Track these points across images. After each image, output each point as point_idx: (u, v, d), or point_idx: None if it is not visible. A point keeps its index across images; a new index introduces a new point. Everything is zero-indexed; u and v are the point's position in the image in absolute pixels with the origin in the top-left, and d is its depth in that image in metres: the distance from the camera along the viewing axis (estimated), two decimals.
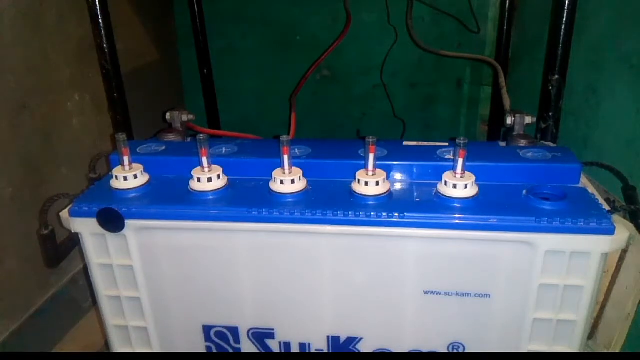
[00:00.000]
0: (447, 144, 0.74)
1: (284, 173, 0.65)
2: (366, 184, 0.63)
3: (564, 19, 0.79)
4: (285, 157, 0.65)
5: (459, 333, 0.67)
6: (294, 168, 0.66)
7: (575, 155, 0.70)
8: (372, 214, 0.61)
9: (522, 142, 0.75)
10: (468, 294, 0.64)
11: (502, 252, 0.61)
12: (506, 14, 1.21)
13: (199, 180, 0.66)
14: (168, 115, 0.84)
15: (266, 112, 1.49)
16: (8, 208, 0.80)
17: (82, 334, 0.94)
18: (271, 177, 0.66)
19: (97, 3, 0.86)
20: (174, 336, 0.73)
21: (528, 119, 0.78)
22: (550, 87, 0.82)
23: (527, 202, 0.62)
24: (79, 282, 0.97)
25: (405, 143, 0.76)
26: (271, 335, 0.71)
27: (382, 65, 1.40)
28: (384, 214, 0.60)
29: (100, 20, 0.87)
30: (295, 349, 0.71)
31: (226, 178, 0.68)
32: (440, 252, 0.62)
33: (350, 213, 0.61)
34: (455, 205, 0.62)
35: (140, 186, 0.68)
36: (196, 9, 1.32)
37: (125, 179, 0.67)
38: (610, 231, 0.57)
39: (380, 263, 0.64)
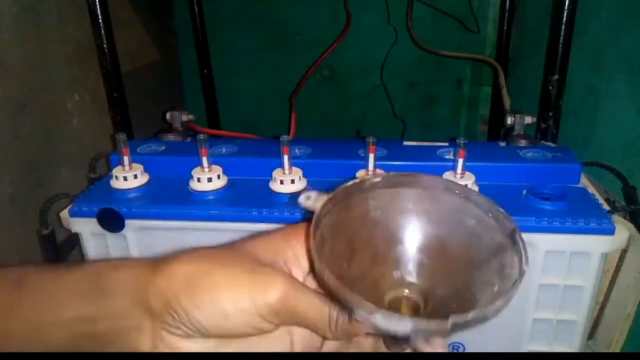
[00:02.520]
0: (447, 144, 0.74)
1: (284, 173, 0.65)
2: None
3: (564, 19, 0.79)
4: (285, 157, 0.65)
5: (459, 333, 0.67)
6: (294, 168, 0.66)
7: (575, 155, 0.70)
8: None
9: (522, 142, 0.75)
10: None
11: None
12: (506, 14, 1.21)
13: (199, 180, 0.66)
14: (168, 115, 0.84)
15: (266, 112, 1.49)
16: (8, 208, 0.80)
17: None
18: (271, 177, 0.66)
19: (97, 3, 0.86)
20: None
21: (528, 119, 0.78)
22: (550, 87, 0.82)
23: (527, 202, 0.62)
24: None
25: (405, 143, 0.76)
26: None
27: (382, 65, 1.40)
28: None
29: (100, 20, 0.87)
30: None
31: (226, 178, 0.68)
32: None
33: None
34: None
35: (140, 186, 0.68)
36: (196, 9, 1.32)
37: (125, 179, 0.67)
38: (610, 231, 0.57)
39: None
